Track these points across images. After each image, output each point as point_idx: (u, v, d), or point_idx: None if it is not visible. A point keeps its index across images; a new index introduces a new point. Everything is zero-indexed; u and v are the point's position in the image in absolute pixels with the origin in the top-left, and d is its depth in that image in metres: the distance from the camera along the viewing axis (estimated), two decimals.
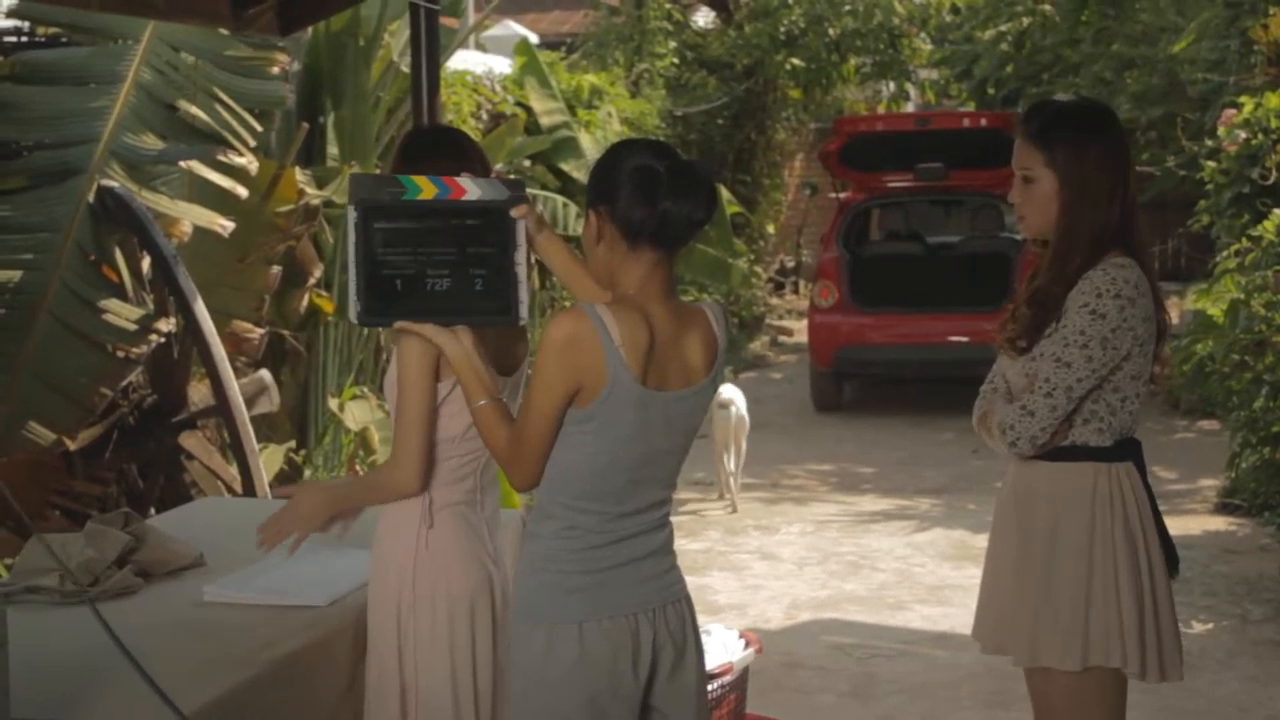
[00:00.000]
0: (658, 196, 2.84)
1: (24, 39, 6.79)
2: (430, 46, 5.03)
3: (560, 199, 12.02)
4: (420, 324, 2.95)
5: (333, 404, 7.71)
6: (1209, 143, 8.92)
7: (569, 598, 2.89)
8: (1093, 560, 3.22)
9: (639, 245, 2.87)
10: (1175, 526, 3.44)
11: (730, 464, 8.86)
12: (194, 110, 6.31)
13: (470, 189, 2.99)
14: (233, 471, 6.19)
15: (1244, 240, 7.77)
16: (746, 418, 8.97)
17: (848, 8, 17.74)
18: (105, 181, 5.91)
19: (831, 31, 17.48)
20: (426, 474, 3.12)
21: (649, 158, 2.90)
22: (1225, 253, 8.21)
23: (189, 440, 6.23)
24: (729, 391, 8.94)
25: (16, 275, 5.75)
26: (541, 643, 2.89)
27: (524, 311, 3.02)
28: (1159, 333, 3.29)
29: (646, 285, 2.89)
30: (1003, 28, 17.84)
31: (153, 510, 5.93)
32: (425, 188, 2.97)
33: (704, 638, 4.82)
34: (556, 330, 2.82)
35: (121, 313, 5.87)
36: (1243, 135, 8.07)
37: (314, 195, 6.97)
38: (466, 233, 2.98)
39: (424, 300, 2.95)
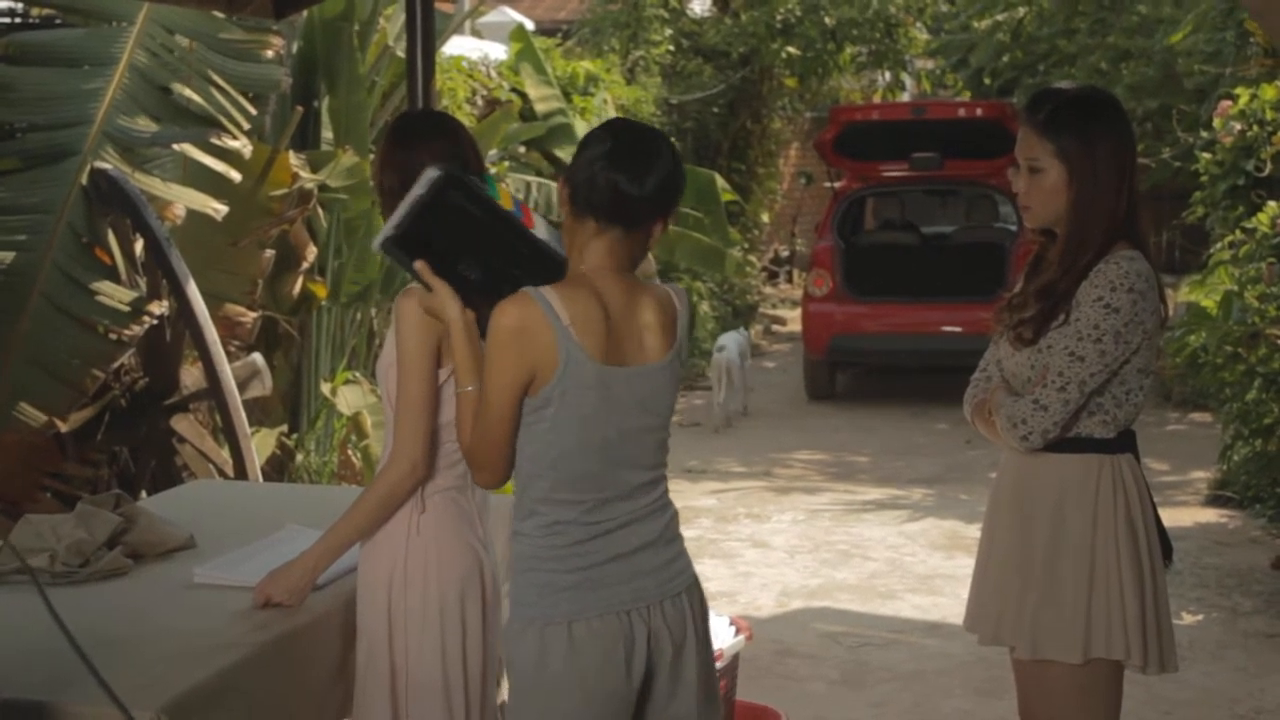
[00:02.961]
0: (599, 170, 2.84)
1: (18, 20, 6.77)
2: (426, 31, 5.02)
3: (555, 185, 12.00)
4: (437, 278, 2.93)
5: (325, 388, 7.71)
6: (1204, 134, 8.93)
7: (558, 596, 2.86)
8: (1095, 552, 3.21)
9: (588, 219, 2.86)
10: (1166, 518, 3.44)
11: (720, 396, 11.02)
12: (188, 93, 6.29)
13: (538, 227, 3.03)
14: (224, 455, 6.18)
15: (1238, 232, 7.77)
16: (737, 360, 11.05)
17: None
18: (99, 164, 5.90)
19: (828, 20, 17.46)
20: (431, 458, 3.12)
21: (605, 132, 2.91)
22: (1219, 245, 8.21)
23: (181, 423, 6.22)
24: (724, 338, 11.36)
25: (9, 257, 5.73)
26: (533, 643, 2.86)
27: None
28: (1160, 323, 3.29)
29: (604, 262, 2.87)
30: (999, 17, 17.86)
31: (144, 493, 5.93)
32: (504, 198, 3.00)
33: None
34: (502, 318, 2.79)
35: (114, 295, 5.86)
36: (1238, 127, 8.06)
37: (308, 179, 6.96)
38: (516, 255, 2.97)
39: (448, 276, 2.93)
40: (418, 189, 2.94)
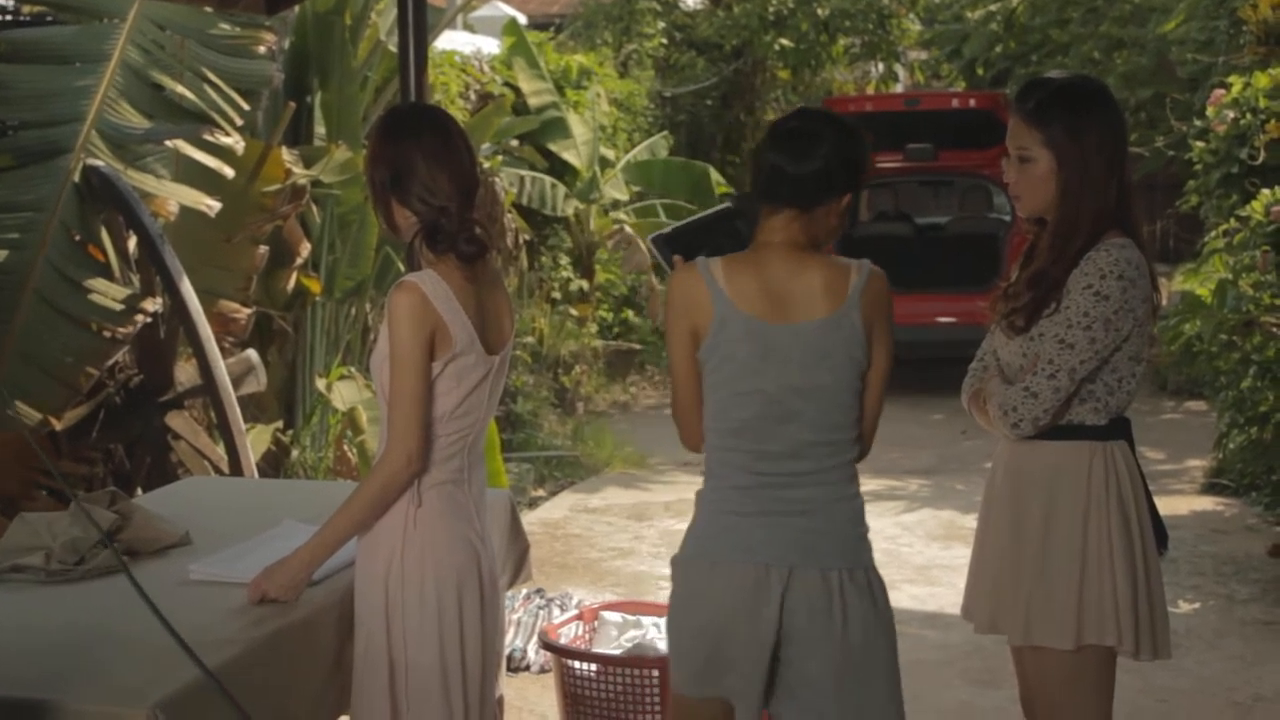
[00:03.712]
0: (762, 153, 3.12)
1: (9, 18, 6.76)
2: (418, 26, 5.01)
3: (549, 179, 12.00)
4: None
5: (320, 384, 7.70)
6: (1198, 123, 8.90)
7: (709, 537, 3.11)
8: (1087, 539, 3.22)
9: (763, 201, 3.12)
10: (1163, 507, 3.44)
11: None
12: (180, 89, 6.28)
13: None
14: (219, 451, 6.18)
15: (1232, 220, 7.76)
16: None
17: None
18: (91, 161, 5.89)
19: (820, 12, 17.46)
20: (426, 451, 3.12)
21: (778, 120, 3.22)
22: (1213, 233, 8.20)
23: (175, 420, 6.22)
24: None
25: (2, 255, 5.72)
26: (681, 578, 3.13)
27: None
28: (1152, 311, 3.29)
29: (774, 238, 3.10)
30: (991, 7, 17.84)
31: (139, 490, 5.92)
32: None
33: None
34: (672, 283, 3.14)
35: (108, 292, 5.85)
36: (1231, 115, 8.04)
37: (301, 175, 6.95)
38: None
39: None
40: (712, 209, 3.42)
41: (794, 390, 3.05)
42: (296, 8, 7.81)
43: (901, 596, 6.70)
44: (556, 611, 5.92)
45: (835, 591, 3.04)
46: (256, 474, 6.08)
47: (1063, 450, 3.26)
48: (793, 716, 3.10)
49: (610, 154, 13.35)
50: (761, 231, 3.12)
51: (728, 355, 3.06)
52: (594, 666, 4.54)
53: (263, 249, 6.67)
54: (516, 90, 12.15)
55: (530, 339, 10.96)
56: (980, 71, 18.39)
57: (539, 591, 6.21)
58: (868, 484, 3.31)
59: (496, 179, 9.42)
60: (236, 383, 6.13)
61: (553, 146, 12.39)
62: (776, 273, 3.08)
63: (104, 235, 5.99)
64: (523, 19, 14.29)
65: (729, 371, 3.06)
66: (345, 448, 7.50)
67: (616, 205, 13.22)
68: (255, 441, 6.59)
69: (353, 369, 7.93)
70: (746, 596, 3.02)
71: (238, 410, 5.94)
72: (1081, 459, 3.24)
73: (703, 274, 3.08)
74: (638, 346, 13.08)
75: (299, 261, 7.34)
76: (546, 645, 4.76)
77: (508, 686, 4.92)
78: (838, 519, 3.11)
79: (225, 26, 6.57)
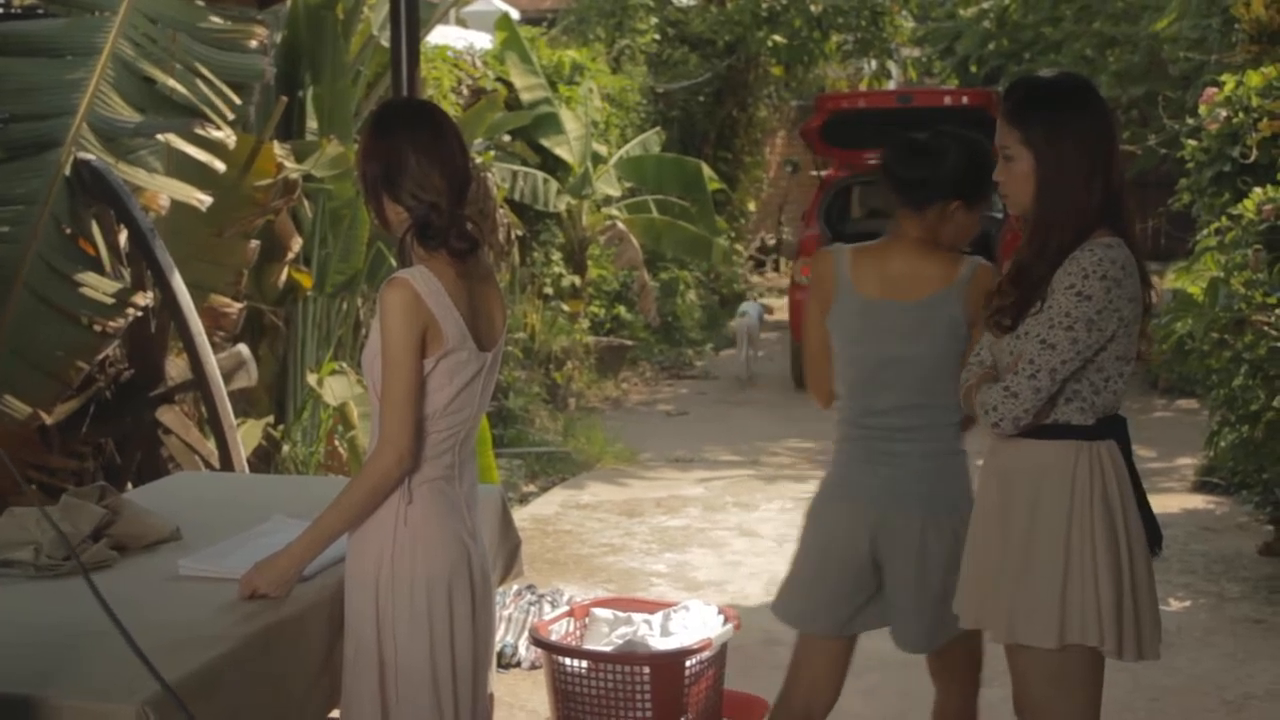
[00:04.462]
0: (885, 159, 3.69)
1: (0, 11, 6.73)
2: (410, 20, 5.01)
3: (541, 175, 11.99)
4: None
5: (311, 379, 7.69)
6: (1190, 121, 8.90)
7: (830, 478, 3.80)
8: (1070, 538, 3.22)
9: (892, 199, 3.71)
10: (1154, 505, 3.43)
11: (743, 355, 12.82)
12: (172, 83, 6.25)
13: None
14: (210, 446, 6.16)
15: (1224, 219, 7.76)
16: (756, 323, 13.04)
17: None
18: (82, 154, 5.86)
19: (813, 8, 17.45)
20: (417, 448, 3.10)
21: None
22: (1205, 231, 8.19)
23: (166, 415, 6.20)
24: (746, 306, 13.40)
25: None
26: (809, 515, 3.83)
27: None
28: (1144, 310, 3.28)
29: (899, 231, 3.69)
30: (985, 5, 17.84)
31: (129, 485, 5.90)
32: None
33: (682, 614, 4.83)
34: (811, 266, 3.82)
35: (98, 286, 5.83)
36: (1224, 113, 8.04)
37: (293, 169, 6.92)
38: None
39: None
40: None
41: (894, 357, 3.62)
42: (288, 1, 7.80)
43: None
44: (547, 608, 5.92)
45: (917, 535, 3.62)
46: (247, 469, 6.07)
47: (1048, 450, 3.26)
48: (889, 631, 3.83)
49: (602, 150, 13.34)
50: (892, 225, 3.70)
51: (844, 327, 3.67)
52: (585, 663, 4.53)
53: (254, 243, 6.65)
54: (509, 85, 12.14)
55: (522, 335, 10.95)
56: (973, 69, 18.38)
57: (530, 588, 6.20)
58: None
59: (489, 174, 9.40)
60: (227, 377, 6.11)
61: (545, 142, 12.38)
62: (895, 260, 3.67)
63: (95, 229, 5.96)
64: (515, 14, 14.28)
65: (844, 339, 3.68)
66: (336, 443, 7.49)
67: (609, 201, 13.21)
68: (246, 436, 6.58)
69: (344, 364, 7.92)
70: (842, 530, 3.69)
71: (228, 405, 5.92)
72: (1067, 459, 3.24)
73: (835, 258, 3.73)
74: (629, 342, 13.07)
75: (290, 256, 7.33)
76: (537, 642, 4.75)
77: (498, 683, 4.92)
78: (925, 472, 3.66)
79: (217, 20, 6.54)
